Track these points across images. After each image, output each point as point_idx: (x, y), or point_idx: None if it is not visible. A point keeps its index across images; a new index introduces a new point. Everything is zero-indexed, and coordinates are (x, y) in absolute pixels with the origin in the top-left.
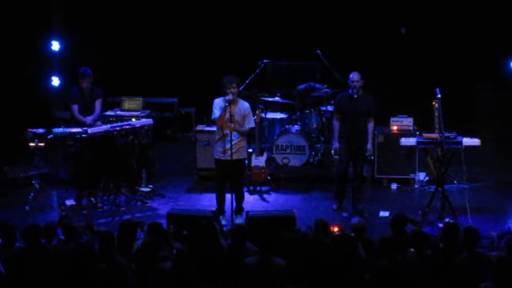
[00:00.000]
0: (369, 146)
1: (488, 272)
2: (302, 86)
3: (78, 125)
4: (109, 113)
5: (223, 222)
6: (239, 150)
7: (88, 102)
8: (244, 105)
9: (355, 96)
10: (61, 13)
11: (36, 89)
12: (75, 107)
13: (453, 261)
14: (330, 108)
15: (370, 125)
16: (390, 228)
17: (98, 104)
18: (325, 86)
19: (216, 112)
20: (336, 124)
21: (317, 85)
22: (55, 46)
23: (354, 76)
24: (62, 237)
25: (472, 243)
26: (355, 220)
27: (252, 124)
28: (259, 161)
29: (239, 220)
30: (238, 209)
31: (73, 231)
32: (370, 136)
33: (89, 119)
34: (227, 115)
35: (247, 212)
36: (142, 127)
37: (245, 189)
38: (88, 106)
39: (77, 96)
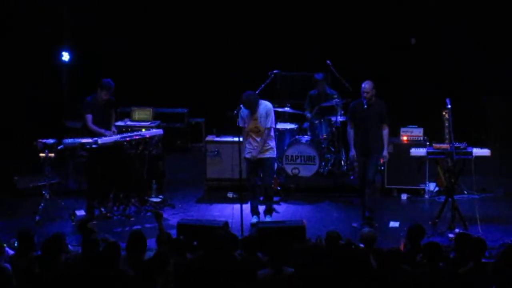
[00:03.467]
0: (385, 153)
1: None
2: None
3: (91, 135)
4: (119, 123)
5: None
6: (264, 150)
7: (103, 111)
8: (266, 106)
9: (366, 107)
10: (71, 28)
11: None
12: (89, 117)
13: (458, 271)
14: (340, 118)
15: (385, 132)
16: (406, 239)
17: (113, 114)
18: (335, 96)
19: (240, 121)
20: (350, 132)
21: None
22: (65, 56)
23: (366, 86)
24: (71, 248)
25: (479, 253)
26: (365, 230)
27: (271, 124)
28: None
29: (268, 219)
30: (267, 209)
31: (93, 237)
32: (386, 143)
33: (109, 132)
34: (252, 123)
35: (257, 222)
36: (152, 137)
37: None
38: (103, 116)
39: (92, 106)
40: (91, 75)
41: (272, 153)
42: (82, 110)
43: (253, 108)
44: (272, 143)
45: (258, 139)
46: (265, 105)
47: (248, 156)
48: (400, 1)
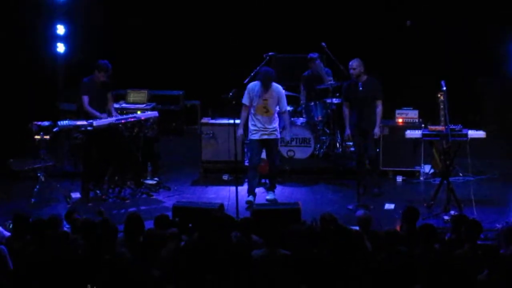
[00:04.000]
0: (376, 130)
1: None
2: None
3: (87, 116)
4: (114, 105)
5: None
6: (271, 132)
7: (100, 94)
8: (278, 88)
9: (360, 87)
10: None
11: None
12: (86, 98)
13: (454, 253)
14: (335, 100)
15: (378, 109)
16: (402, 221)
17: (110, 97)
18: (330, 79)
19: (246, 99)
20: (346, 111)
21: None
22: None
23: (352, 63)
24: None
25: (474, 235)
26: (360, 212)
27: (285, 107)
28: (264, 154)
29: (270, 196)
30: (270, 186)
31: (82, 225)
32: (378, 120)
33: (104, 115)
34: (261, 102)
35: (253, 204)
36: (147, 119)
37: None
38: (100, 98)
39: (89, 87)
40: (86, 57)
41: (278, 134)
42: (79, 91)
43: (267, 84)
44: (277, 125)
45: (265, 119)
46: (277, 87)
47: (256, 137)
48: None
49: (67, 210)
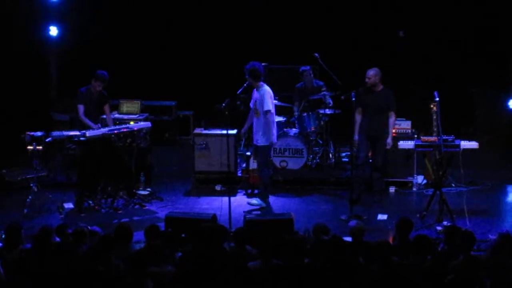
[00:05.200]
0: (388, 140)
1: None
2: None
3: (81, 126)
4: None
5: None
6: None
7: (96, 104)
8: (264, 90)
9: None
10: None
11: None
12: (81, 108)
13: (449, 265)
14: (328, 111)
15: (391, 120)
16: (395, 232)
17: (107, 109)
18: (323, 89)
19: (252, 101)
20: (357, 117)
21: (315, 83)
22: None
23: (369, 73)
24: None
25: (468, 246)
26: (353, 223)
27: (267, 107)
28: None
29: (255, 200)
30: (258, 192)
31: (74, 234)
32: (390, 131)
33: (96, 125)
34: (253, 104)
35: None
36: (140, 130)
37: (243, 192)
38: (95, 108)
39: (85, 97)
40: (79, 68)
41: (263, 141)
42: (75, 100)
43: (255, 79)
44: (262, 130)
45: (255, 120)
46: (264, 89)
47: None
48: None
49: (58, 224)
